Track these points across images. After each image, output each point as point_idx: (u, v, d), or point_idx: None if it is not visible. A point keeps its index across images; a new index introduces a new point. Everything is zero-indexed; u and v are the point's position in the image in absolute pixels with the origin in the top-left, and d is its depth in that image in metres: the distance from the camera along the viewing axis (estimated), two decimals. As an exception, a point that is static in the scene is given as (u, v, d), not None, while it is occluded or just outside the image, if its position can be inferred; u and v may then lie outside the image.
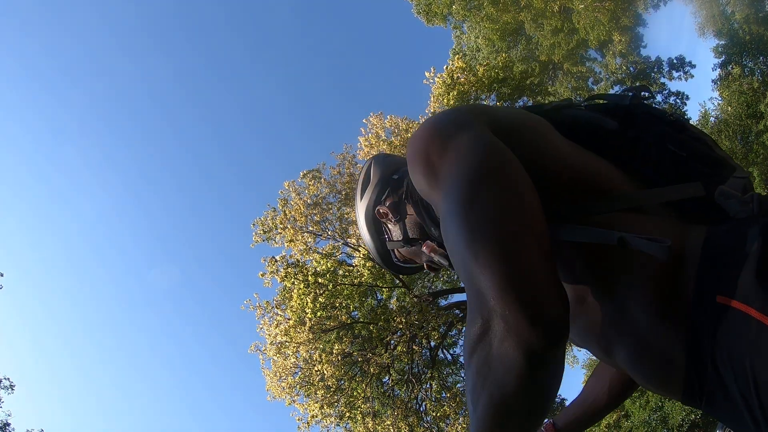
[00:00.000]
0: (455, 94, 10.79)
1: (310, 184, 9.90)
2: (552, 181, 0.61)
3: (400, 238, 0.93)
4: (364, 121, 10.85)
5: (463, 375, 10.38)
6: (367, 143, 10.59)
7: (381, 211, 0.95)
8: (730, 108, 15.24)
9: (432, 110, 11.37)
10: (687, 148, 0.65)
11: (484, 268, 0.46)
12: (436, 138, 0.59)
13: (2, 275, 13.62)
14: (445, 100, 10.98)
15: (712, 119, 15.98)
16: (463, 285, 0.66)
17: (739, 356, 0.45)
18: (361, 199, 1.00)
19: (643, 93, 0.74)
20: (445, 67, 11.22)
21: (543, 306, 0.45)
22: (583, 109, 0.75)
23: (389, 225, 0.96)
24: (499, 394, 0.47)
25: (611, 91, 16.09)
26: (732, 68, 15.43)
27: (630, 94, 0.72)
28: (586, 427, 1.02)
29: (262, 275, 9.48)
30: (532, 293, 0.45)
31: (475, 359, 0.49)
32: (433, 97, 11.28)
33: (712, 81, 16.31)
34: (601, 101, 0.75)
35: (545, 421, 1.00)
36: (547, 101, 12.62)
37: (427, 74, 11.38)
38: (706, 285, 0.49)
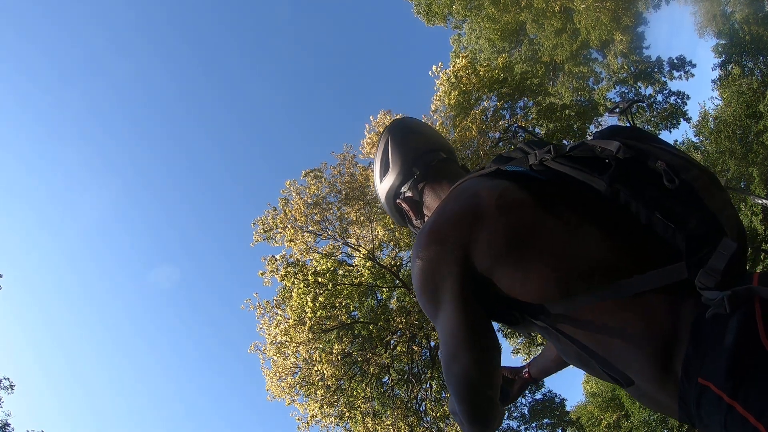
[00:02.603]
0: (456, 94, 10.80)
1: (311, 183, 9.90)
2: (538, 276, 0.72)
3: (419, 227, 1.08)
4: (371, 118, 10.88)
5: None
6: (369, 141, 10.62)
7: (402, 206, 1.08)
8: (729, 108, 15.23)
9: (434, 108, 11.40)
10: (676, 219, 0.67)
11: (456, 398, 0.81)
12: (428, 292, 0.81)
13: (1, 276, 13.62)
14: (447, 100, 10.99)
15: (711, 119, 15.98)
16: None
17: (716, 420, 0.58)
18: (381, 180, 1.10)
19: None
20: (450, 64, 11.26)
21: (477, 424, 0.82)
22: (571, 156, 0.77)
23: (406, 215, 1.09)
24: None
25: (612, 91, 16.05)
26: (732, 68, 15.43)
27: (619, 143, 0.72)
28: (553, 373, 1.17)
29: (262, 274, 9.48)
30: (474, 416, 0.81)
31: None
32: (437, 96, 11.29)
33: (712, 81, 16.32)
34: (591, 146, 0.77)
35: (524, 370, 1.17)
36: (547, 102, 12.58)
37: (434, 68, 11.37)
38: (692, 368, 0.61)
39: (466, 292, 0.77)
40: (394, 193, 1.07)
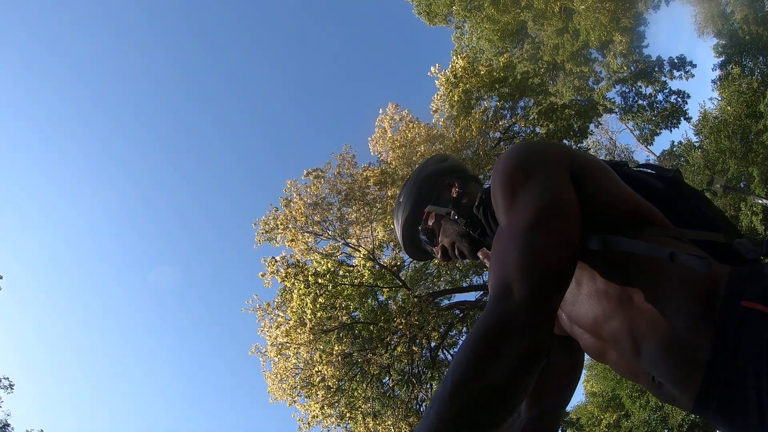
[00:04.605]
0: (459, 92, 10.82)
1: (314, 183, 9.91)
2: (615, 210, 0.79)
3: (448, 206, 1.08)
4: (380, 111, 11.00)
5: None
6: (376, 136, 10.70)
7: (446, 181, 1.12)
8: (729, 108, 15.23)
9: (435, 108, 11.41)
10: (713, 211, 0.87)
11: (521, 272, 0.65)
12: (521, 170, 0.76)
13: (1, 278, 13.63)
14: (448, 100, 11.01)
15: (712, 119, 15.97)
16: (486, 281, 0.76)
17: (759, 345, 0.59)
18: (429, 167, 1.17)
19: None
20: (450, 63, 11.30)
21: (539, 329, 0.62)
22: (635, 170, 0.95)
23: (444, 193, 1.11)
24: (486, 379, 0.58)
25: (613, 91, 16.14)
26: (732, 68, 15.42)
27: (672, 172, 0.92)
28: None
29: (263, 276, 9.48)
30: (537, 318, 0.63)
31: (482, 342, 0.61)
32: (437, 95, 11.31)
33: (712, 81, 16.31)
34: (650, 169, 0.96)
35: None
36: (547, 101, 12.60)
37: (432, 69, 11.41)
38: (734, 295, 0.66)
39: (567, 176, 0.77)
40: (440, 173, 1.14)
